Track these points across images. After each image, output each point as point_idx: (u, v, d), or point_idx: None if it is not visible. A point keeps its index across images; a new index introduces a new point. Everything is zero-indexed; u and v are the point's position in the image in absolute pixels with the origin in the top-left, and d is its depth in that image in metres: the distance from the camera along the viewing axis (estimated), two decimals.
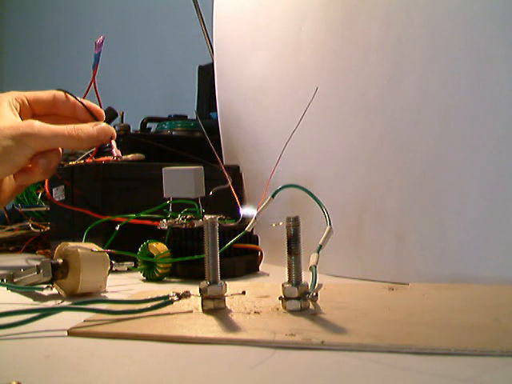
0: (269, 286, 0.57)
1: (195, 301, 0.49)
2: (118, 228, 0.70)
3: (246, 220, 0.60)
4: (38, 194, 1.09)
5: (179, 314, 0.47)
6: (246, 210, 0.60)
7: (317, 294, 0.48)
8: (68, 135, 0.56)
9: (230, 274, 0.67)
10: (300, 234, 0.48)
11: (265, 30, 0.86)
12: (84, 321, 0.45)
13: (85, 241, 0.70)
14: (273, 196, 0.52)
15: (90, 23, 2.02)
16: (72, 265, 0.58)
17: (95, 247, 0.61)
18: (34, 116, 0.59)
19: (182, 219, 0.70)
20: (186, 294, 0.49)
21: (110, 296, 0.59)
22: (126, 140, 0.90)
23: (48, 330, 0.44)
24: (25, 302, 0.57)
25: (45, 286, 0.58)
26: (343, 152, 0.72)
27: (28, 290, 0.59)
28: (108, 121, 0.64)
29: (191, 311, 0.47)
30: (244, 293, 0.52)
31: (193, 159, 0.84)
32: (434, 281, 0.59)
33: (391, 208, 0.66)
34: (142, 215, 0.73)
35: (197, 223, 0.69)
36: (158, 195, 0.70)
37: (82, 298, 0.56)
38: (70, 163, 0.81)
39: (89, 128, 0.58)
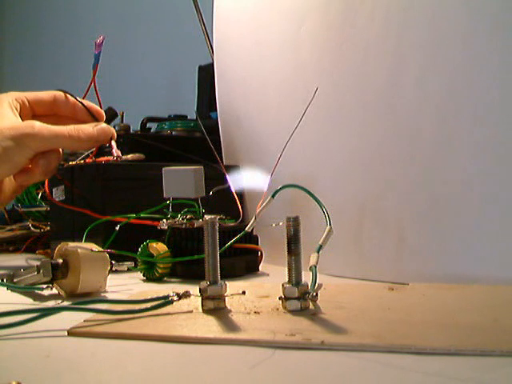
0: (269, 286, 0.57)
1: (195, 301, 0.49)
2: (117, 228, 0.70)
3: (245, 219, 0.60)
4: (38, 194, 1.08)
5: (179, 314, 0.47)
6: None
7: (317, 294, 0.48)
8: (68, 136, 0.56)
9: (230, 274, 0.67)
10: (300, 234, 0.48)
11: (265, 30, 0.86)
12: (84, 321, 0.45)
13: (85, 241, 0.70)
14: (273, 196, 0.52)
15: (90, 23, 2.02)
16: (72, 265, 0.58)
17: (95, 247, 0.61)
18: (35, 116, 0.59)
19: (182, 219, 0.70)
20: (186, 294, 0.49)
21: (110, 296, 0.59)
22: (126, 140, 0.90)
23: (48, 329, 0.44)
24: (25, 301, 0.57)
25: (45, 285, 0.58)
26: (343, 152, 0.72)
27: (28, 290, 0.59)
28: (108, 121, 0.64)
29: (191, 311, 0.47)
30: (244, 293, 0.52)
31: (193, 159, 0.84)
32: (434, 281, 0.59)
33: (391, 208, 0.66)
34: (142, 215, 0.73)
35: (197, 223, 0.69)
36: (158, 195, 0.70)
37: (82, 298, 0.56)
38: (70, 163, 0.81)
39: (89, 128, 0.58)
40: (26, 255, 0.97)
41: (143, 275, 0.70)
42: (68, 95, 0.61)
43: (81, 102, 0.61)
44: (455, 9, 0.61)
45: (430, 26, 0.63)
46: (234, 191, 0.66)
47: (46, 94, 0.61)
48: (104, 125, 0.59)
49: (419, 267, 0.63)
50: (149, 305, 0.47)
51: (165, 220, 0.70)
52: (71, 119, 0.60)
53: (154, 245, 0.69)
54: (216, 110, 0.99)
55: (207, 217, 0.48)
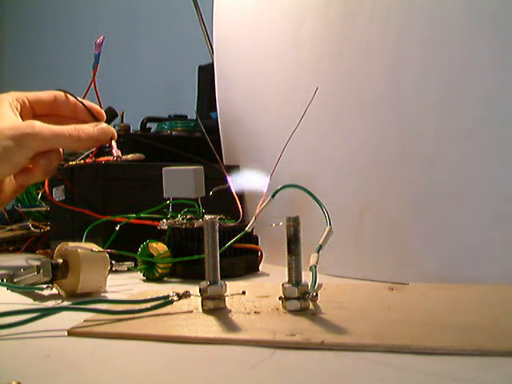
0: (269, 286, 0.57)
1: (195, 301, 0.49)
2: (117, 228, 0.70)
3: (245, 219, 0.60)
4: (38, 194, 1.08)
5: (179, 314, 0.47)
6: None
7: (317, 294, 0.48)
8: (68, 135, 0.56)
9: (230, 274, 0.67)
10: (300, 234, 0.48)
11: (265, 30, 0.86)
12: (84, 321, 0.45)
13: (85, 241, 0.70)
14: (273, 196, 0.52)
15: (91, 23, 2.02)
16: (72, 265, 0.58)
17: (95, 247, 0.61)
18: (35, 116, 0.59)
19: (182, 219, 0.70)
20: (186, 294, 0.49)
21: (110, 296, 0.59)
22: (126, 140, 0.90)
23: (48, 329, 0.44)
24: (25, 301, 0.57)
25: (45, 285, 0.58)
26: (343, 152, 0.72)
27: (28, 290, 0.59)
28: (108, 121, 0.64)
29: (191, 311, 0.47)
30: (244, 293, 0.52)
31: (193, 159, 0.84)
32: (434, 281, 0.59)
33: (391, 208, 0.66)
34: (142, 215, 0.73)
35: (197, 223, 0.69)
36: (158, 195, 0.70)
37: (82, 298, 0.56)
38: (70, 163, 0.81)
39: (89, 128, 0.58)
40: (26, 255, 0.97)
41: (143, 275, 0.70)
42: (68, 95, 0.61)
43: (81, 102, 0.61)
44: (455, 8, 0.61)
45: (430, 25, 0.63)
46: (233, 191, 0.66)
47: (46, 94, 0.61)
48: (104, 125, 0.59)
49: (419, 267, 0.63)
50: (149, 305, 0.47)
51: (165, 220, 0.70)
52: (72, 119, 0.60)
53: (154, 245, 0.69)
54: (216, 110, 0.99)
55: (207, 217, 0.48)
